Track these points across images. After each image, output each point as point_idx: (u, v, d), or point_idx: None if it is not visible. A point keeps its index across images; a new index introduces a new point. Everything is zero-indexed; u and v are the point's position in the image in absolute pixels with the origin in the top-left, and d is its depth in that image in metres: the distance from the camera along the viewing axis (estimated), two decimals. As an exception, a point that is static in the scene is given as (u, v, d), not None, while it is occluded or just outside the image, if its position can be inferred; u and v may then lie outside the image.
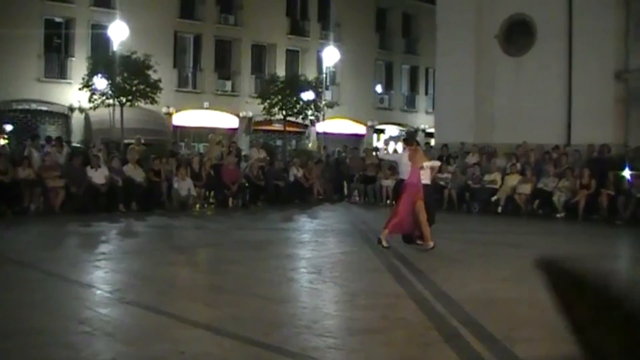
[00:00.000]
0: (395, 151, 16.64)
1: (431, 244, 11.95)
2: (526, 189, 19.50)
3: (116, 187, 18.47)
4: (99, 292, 8.25)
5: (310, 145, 40.58)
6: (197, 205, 19.76)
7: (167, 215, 18.09)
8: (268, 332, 6.31)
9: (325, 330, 6.46)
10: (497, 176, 20.31)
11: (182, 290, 8.77)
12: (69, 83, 33.56)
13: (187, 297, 8.17)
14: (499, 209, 19.61)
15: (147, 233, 15.35)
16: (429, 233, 12.05)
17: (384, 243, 11.92)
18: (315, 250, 12.17)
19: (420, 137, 40.08)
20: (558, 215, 18.68)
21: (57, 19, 35.12)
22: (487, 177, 20.48)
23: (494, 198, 19.82)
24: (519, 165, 20.37)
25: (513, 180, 19.92)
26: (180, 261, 11.10)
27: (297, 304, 7.85)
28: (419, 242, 12.29)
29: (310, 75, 38.96)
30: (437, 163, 13.39)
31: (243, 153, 24.86)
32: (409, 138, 13.24)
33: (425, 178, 12.44)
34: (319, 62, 41.53)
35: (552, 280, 0.99)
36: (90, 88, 29.03)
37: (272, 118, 36.46)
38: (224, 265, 10.49)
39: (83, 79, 29.38)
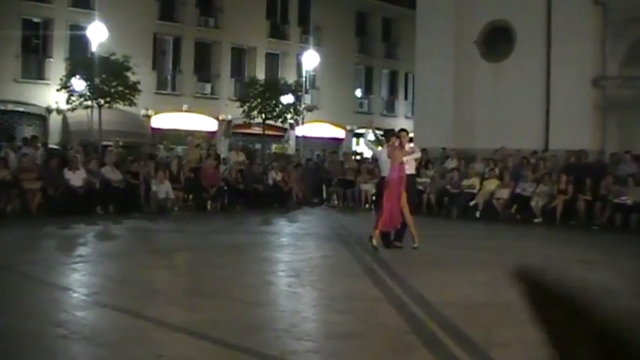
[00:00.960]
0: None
1: (417, 241, 12.14)
2: (504, 193, 19.61)
3: (94, 189, 18.34)
4: (76, 295, 8.18)
5: (280, 148, 40.46)
6: (176, 208, 19.66)
7: (145, 218, 17.99)
8: (246, 336, 6.29)
9: (303, 334, 6.45)
10: (475, 181, 20.40)
11: (160, 294, 8.72)
12: (47, 84, 33.30)
13: (165, 301, 8.12)
14: (477, 214, 19.70)
15: (124, 236, 15.26)
16: (415, 230, 12.20)
17: (374, 242, 11.95)
18: (293, 254, 12.15)
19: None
20: (536, 220, 18.80)
21: (35, 20, 34.86)
22: (465, 182, 20.56)
23: (472, 203, 19.91)
24: (497, 170, 20.48)
25: (491, 185, 20.02)
26: (158, 264, 11.04)
27: (275, 307, 7.83)
28: (397, 243, 12.34)
29: (290, 78, 38.98)
30: (418, 154, 13.34)
31: (222, 156, 24.79)
32: (387, 135, 13.21)
33: (409, 168, 12.58)
34: (299, 65, 41.54)
35: (527, 290, 0.99)
36: (68, 89, 28.85)
37: (252, 121, 36.45)
38: (202, 269, 10.45)
39: (61, 80, 29.19)
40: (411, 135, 18.28)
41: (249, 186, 21.51)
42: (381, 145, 13.14)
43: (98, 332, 6.57)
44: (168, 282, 9.77)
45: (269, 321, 7.00)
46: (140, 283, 9.14)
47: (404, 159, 12.25)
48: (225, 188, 20.98)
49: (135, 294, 8.39)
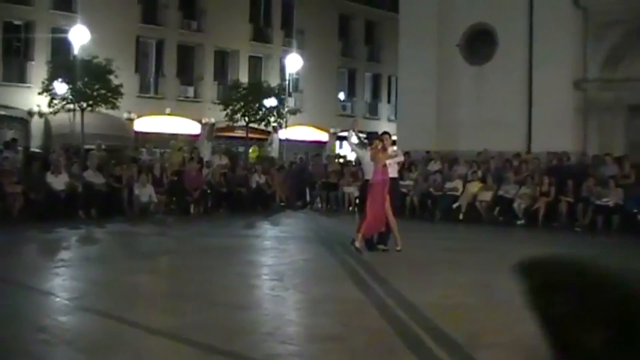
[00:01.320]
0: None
1: (400, 244, 12.19)
2: (487, 196, 19.69)
3: (76, 193, 18.24)
4: (57, 299, 8.13)
5: (257, 151, 40.33)
6: (159, 212, 19.59)
7: (128, 221, 17.91)
8: (230, 340, 6.27)
9: (287, 337, 6.44)
10: (458, 183, 20.47)
11: (143, 298, 8.68)
12: (29, 87, 33.11)
13: (148, 305, 8.09)
14: (461, 216, 19.76)
15: (107, 240, 15.19)
16: (398, 234, 12.25)
17: (357, 244, 11.97)
18: (277, 257, 12.14)
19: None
20: (518, 222, 18.89)
21: (16, 22, 34.67)
22: (448, 185, 20.63)
23: (455, 205, 19.97)
24: (480, 173, 20.56)
25: (474, 187, 20.09)
26: (141, 268, 10.99)
27: (259, 311, 7.82)
28: (380, 246, 12.36)
29: (273, 81, 39.01)
30: (400, 158, 13.31)
31: (205, 159, 24.72)
32: (370, 138, 13.22)
33: (392, 172, 12.58)
34: (282, 68, 41.58)
35: (534, 281, 1.01)
36: (50, 92, 28.70)
37: (235, 124, 36.42)
38: (185, 273, 10.42)
39: (43, 83, 29.04)
40: (394, 138, 18.33)
41: (232, 189, 21.47)
42: (364, 148, 13.08)
43: (80, 336, 6.53)
44: (151, 286, 9.72)
45: (253, 325, 6.99)
46: (122, 287, 9.10)
47: (387, 162, 12.27)
48: (209, 191, 20.93)
49: (117, 298, 8.35)
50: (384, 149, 12.55)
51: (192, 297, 8.36)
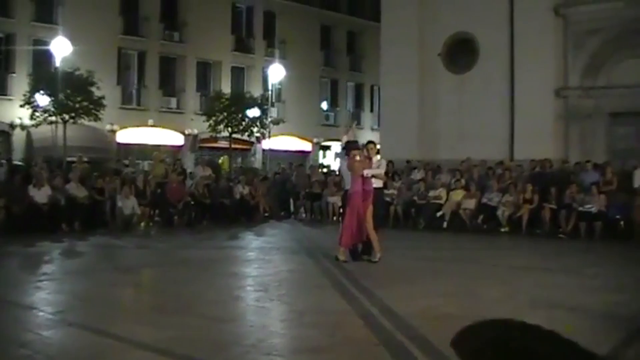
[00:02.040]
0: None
1: (379, 255, 12.10)
2: (471, 204, 19.75)
3: (59, 206, 18.13)
4: (40, 314, 8.07)
5: (221, 161, 39.87)
6: (142, 224, 19.50)
7: (111, 234, 17.82)
8: (215, 352, 6.25)
9: (272, 348, 6.42)
10: (442, 192, 20.53)
11: (127, 311, 8.64)
12: (10, 99, 32.94)
13: (132, 318, 8.04)
14: (445, 224, 19.81)
15: (90, 253, 15.10)
16: (377, 244, 12.18)
17: (341, 257, 11.97)
18: (261, 268, 12.11)
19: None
20: (502, 229, 18.96)
21: (-3, 34, 34.50)
22: (432, 193, 20.68)
23: (439, 213, 20.02)
24: (463, 181, 20.63)
25: (458, 195, 20.16)
26: (125, 281, 10.93)
27: (243, 322, 7.80)
28: (365, 257, 12.35)
29: (256, 92, 39.04)
30: (380, 170, 13.03)
31: (188, 171, 24.66)
32: (347, 147, 12.94)
33: (376, 182, 12.52)
34: (265, 79, 41.63)
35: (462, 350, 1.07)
36: (32, 105, 28.59)
37: (218, 135, 36.38)
38: (169, 285, 10.37)
39: (24, 95, 28.93)
40: (378, 147, 18.24)
41: (216, 201, 21.41)
42: (343, 157, 12.93)
43: (63, 351, 6.48)
44: (134, 300, 9.67)
45: (237, 337, 6.96)
46: (106, 301, 9.04)
47: (365, 172, 12.15)
48: (192, 203, 20.84)
49: (101, 312, 8.29)
50: (369, 158, 12.51)
51: (176, 310, 8.33)
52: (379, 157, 13.69)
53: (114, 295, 9.54)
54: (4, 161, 22.53)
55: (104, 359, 6.15)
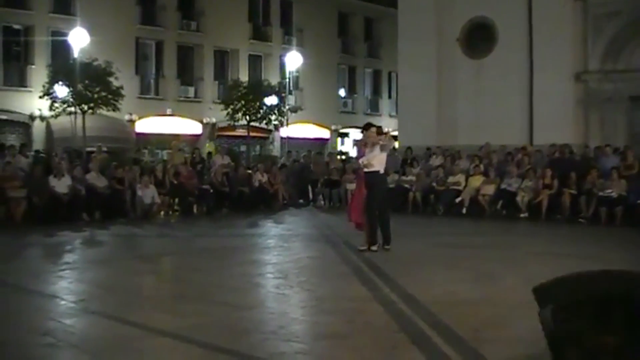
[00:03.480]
0: None
1: (373, 248, 11.82)
2: (489, 189, 19.67)
3: (79, 196, 18.24)
4: (63, 302, 8.14)
5: (207, 146, 38.99)
6: (162, 213, 19.60)
7: (131, 223, 17.92)
8: (235, 339, 6.28)
9: (292, 335, 6.44)
10: (460, 178, 20.46)
11: (148, 300, 8.69)
12: (29, 91, 33.15)
13: (152, 306, 8.09)
14: (464, 210, 19.75)
15: (111, 242, 15.20)
16: (369, 235, 11.92)
17: (373, 247, 11.78)
18: (281, 256, 12.14)
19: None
20: (522, 215, 18.87)
21: (16, 26, 34.68)
22: (451, 179, 20.61)
23: (458, 199, 19.96)
24: (482, 167, 20.53)
25: (476, 181, 20.07)
26: (145, 270, 11.00)
27: (263, 309, 7.82)
28: (385, 247, 12.10)
29: (273, 80, 39.03)
30: (369, 157, 11.89)
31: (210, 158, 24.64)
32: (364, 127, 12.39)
33: (376, 165, 11.91)
34: (282, 67, 41.61)
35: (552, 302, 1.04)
36: (51, 96, 28.76)
37: (236, 124, 36.44)
38: (189, 273, 10.42)
39: (44, 86, 29.11)
40: (395, 133, 18.16)
41: (235, 189, 21.46)
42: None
43: (86, 339, 6.54)
44: (155, 288, 9.73)
45: (258, 324, 6.99)
46: (127, 289, 9.11)
47: (360, 161, 11.92)
48: (211, 191, 20.90)
49: (122, 300, 8.35)
50: (365, 144, 12.12)
51: (196, 297, 8.37)
52: (381, 137, 12.50)
53: (134, 284, 9.60)
54: (30, 153, 22.66)
55: (126, 346, 6.19)
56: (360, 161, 12.04)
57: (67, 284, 9.34)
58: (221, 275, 9.97)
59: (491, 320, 7.00)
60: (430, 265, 10.83)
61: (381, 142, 11.96)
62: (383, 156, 11.95)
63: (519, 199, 19.02)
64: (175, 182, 20.31)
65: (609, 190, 17.68)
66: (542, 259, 11.50)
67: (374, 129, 12.29)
